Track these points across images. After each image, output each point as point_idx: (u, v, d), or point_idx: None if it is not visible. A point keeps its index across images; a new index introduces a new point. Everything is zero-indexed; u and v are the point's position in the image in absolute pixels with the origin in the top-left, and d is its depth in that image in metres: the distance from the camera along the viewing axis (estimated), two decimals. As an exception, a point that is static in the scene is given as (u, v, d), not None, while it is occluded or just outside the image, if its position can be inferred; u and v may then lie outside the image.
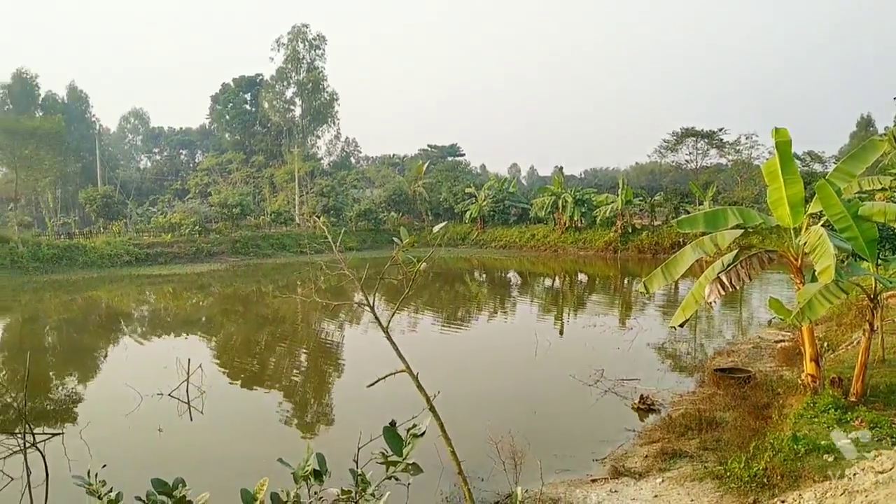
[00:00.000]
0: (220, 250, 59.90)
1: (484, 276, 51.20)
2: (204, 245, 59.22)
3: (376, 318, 3.84)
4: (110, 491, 2.73)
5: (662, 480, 10.16)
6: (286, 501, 2.58)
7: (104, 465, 2.95)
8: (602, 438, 12.88)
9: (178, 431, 14.05)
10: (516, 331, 26.78)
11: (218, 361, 21.07)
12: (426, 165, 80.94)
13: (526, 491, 9.69)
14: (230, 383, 18.34)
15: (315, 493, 2.54)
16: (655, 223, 62.35)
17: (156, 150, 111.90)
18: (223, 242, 60.87)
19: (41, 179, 62.59)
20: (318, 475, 2.57)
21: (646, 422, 13.98)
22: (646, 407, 14.78)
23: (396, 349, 3.71)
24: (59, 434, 13.56)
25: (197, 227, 60.90)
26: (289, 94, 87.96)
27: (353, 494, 2.39)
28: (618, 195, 60.19)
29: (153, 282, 46.35)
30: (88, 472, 2.79)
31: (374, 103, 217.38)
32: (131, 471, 10.97)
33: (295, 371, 20.80)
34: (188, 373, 16.19)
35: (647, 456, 11.53)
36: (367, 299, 3.93)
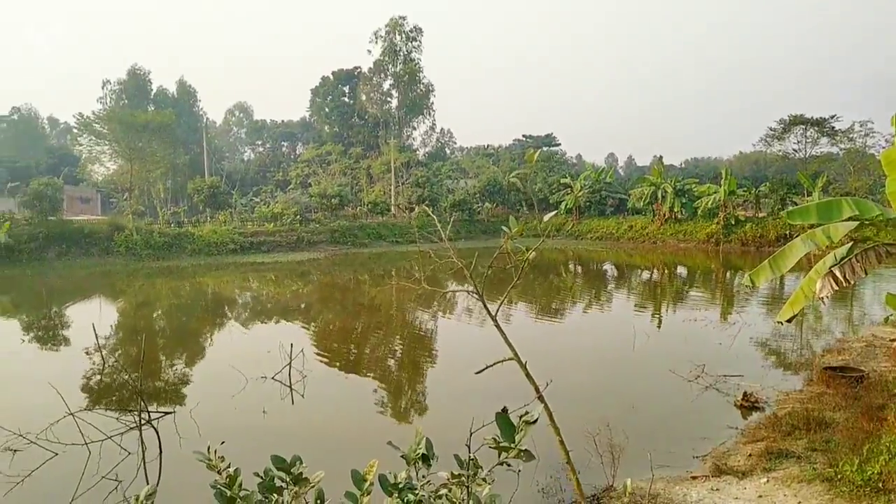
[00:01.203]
0: (320, 239, 61.52)
1: (579, 267, 50.58)
2: (304, 234, 60.96)
3: (485, 306, 3.83)
4: (228, 466, 2.83)
5: (767, 480, 9.79)
6: (395, 483, 2.62)
7: (223, 442, 3.07)
8: (703, 435, 12.51)
9: (281, 413, 14.53)
10: (613, 324, 26.33)
11: (316, 347, 21.64)
12: (537, 153, 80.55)
13: (624, 486, 9.52)
14: (328, 368, 18.80)
15: (423, 476, 2.57)
16: (760, 215, 59.98)
17: (259, 143, 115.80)
18: (322, 232, 62.47)
19: (153, 171, 65.96)
20: (426, 459, 2.60)
21: (749, 420, 13.48)
22: (749, 404, 14.25)
23: (505, 337, 3.70)
24: (171, 413, 14.27)
25: (297, 217, 62.75)
26: (386, 86, 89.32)
27: (463, 478, 2.41)
28: (720, 185, 58.19)
29: (256, 269, 48.08)
30: (208, 448, 2.90)
31: (469, 94, 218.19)
32: (240, 449, 11.43)
33: (391, 358, 21.14)
34: (290, 357, 16.72)
35: (750, 455, 11.12)
36: (476, 288, 3.92)
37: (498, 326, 4.05)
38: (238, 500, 2.57)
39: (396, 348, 22.77)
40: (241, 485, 2.69)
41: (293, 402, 15.37)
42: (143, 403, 12.86)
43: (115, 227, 54.18)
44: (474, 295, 4.42)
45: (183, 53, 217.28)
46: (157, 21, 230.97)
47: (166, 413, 14.18)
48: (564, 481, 10.25)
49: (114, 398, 16.14)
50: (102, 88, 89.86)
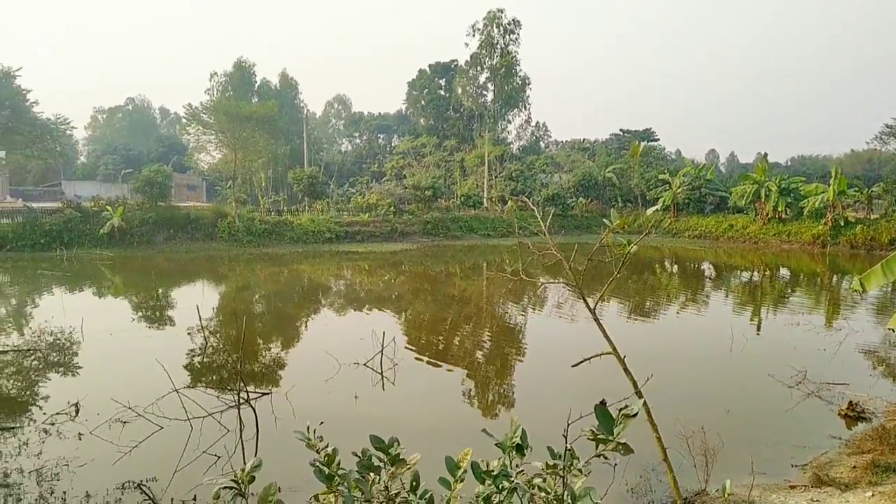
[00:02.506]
0: (413, 230, 62.27)
1: (675, 266, 49.28)
2: (398, 225, 61.84)
3: (583, 298, 3.80)
4: (326, 446, 2.91)
5: (873, 494, 9.31)
6: (488, 471, 2.64)
7: (321, 423, 3.17)
8: (802, 444, 12.00)
9: (372, 399, 14.83)
10: (709, 325, 25.54)
11: (407, 336, 21.94)
12: (642, 145, 78.90)
13: (717, 490, 9.25)
14: (417, 358, 19.02)
15: (516, 465, 2.58)
16: (872, 216, 56.81)
17: (356, 134, 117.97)
18: (415, 223, 63.21)
19: (255, 160, 68.31)
20: (520, 449, 2.61)
21: (854, 430, 12.84)
22: (855, 414, 13.57)
23: (604, 331, 3.66)
24: (268, 394, 14.80)
25: (392, 208, 63.71)
26: (482, 79, 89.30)
27: (557, 469, 2.41)
28: (829, 185, 55.44)
29: (350, 258, 49.13)
30: (307, 428, 2.99)
31: (566, 87, 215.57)
32: (332, 432, 11.74)
33: (479, 351, 21.20)
34: (382, 345, 17.04)
35: (855, 467, 10.60)
36: (575, 280, 3.89)
37: (596, 319, 4.01)
38: (336, 477, 2.65)
39: (485, 341, 22.82)
40: (339, 464, 2.77)
41: (384, 389, 15.65)
42: (242, 384, 13.39)
43: (218, 213, 56.48)
44: (573, 288, 4.38)
45: (286, 47, 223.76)
46: (263, 15, 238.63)
47: (263, 394, 14.71)
48: (654, 482, 10.05)
49: (213, 378, 16.83)
50: (210, 80, 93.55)
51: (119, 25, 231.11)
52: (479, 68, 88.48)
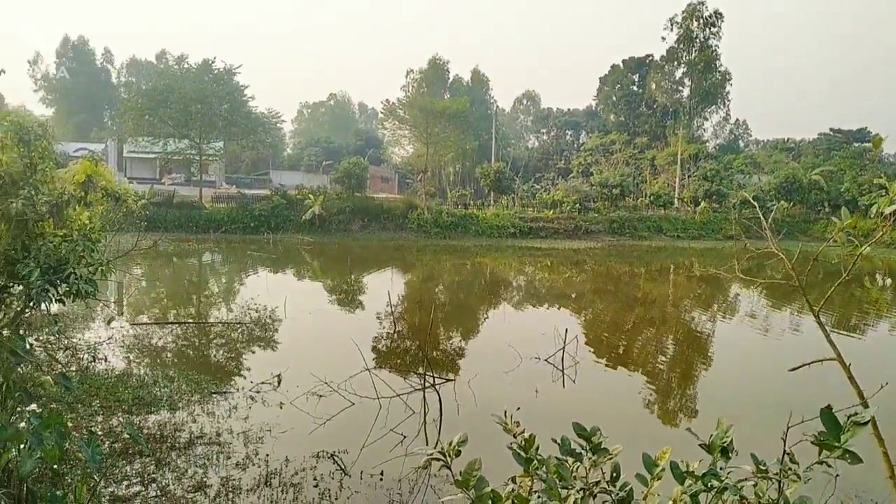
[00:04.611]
0: (597, 229, 61.31)
1: (888, 279, 44.85)
2: (582, 223, 61.14)
3: (807, 300, 3.61)
4: (523, 431, 2.99)
5: None
6: (688, 471, 2.61)
7: (518, 408, 3.25)
8: None
9: (552, 395, 14.84)
10: (927, 346, 23.05)
11: (587, 335, 21.68)
12: (885, 139, 72.89)
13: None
14: (596, 359, 18.74)
15: (721, 468, 2.52)
16: None
17: (543, 131, 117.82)
18: (600, 221, 62.17)
19: (445, 155, 70.39)
20: (725, 451, 2.54)
21: None
22: None
23: (827, 335, 3.47)
24: (451, 380, 15.26)
25: (577, 206, 63.10)
26: (678, 74, 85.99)
27: (771, 473, 2.33)
28: None
29: (533, 254, 49.29)
30: (505, 413, 3.08)
31: (770, 83, 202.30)
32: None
33: (662, 355, 20.52)
34: (564, 342, 16.97)
35: None
36: (798, 282, 3.72)
37: (820, 323, 3.79)
38: (535, 461, 2.72)
39: (668, 346, 22.07)
40: (537, 448, 2.84)
41: (564, 386, 15.61)
42: (430, 369, 13.91)
43: (409, 205, 58.79)
44: (796, 287, 4.16)
45: (478, 44, 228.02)
46: (456, 14, 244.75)
47: (447, 380, 15.18)
48: (865, 501, 9.34)
49: (398, 361, 17.60)
50: (406, 77, 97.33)
51: (329, 23, 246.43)
52: (675, 63, 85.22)
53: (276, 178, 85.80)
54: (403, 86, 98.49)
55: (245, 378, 15.48)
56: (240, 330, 21.03)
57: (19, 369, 11.53)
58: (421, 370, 14.58)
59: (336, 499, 9.60)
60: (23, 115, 10.06)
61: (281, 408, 13.35)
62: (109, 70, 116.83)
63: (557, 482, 2.64)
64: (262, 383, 14.77)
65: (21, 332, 12.06)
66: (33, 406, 10.45)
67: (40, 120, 11.38)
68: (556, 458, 2.73)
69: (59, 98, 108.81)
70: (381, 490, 9.92)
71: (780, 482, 2.27)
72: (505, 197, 67.00)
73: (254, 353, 18.62)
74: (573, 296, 32.35)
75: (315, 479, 10.16)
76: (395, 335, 20.75)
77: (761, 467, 2.37)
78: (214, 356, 18.61)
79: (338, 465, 10.66)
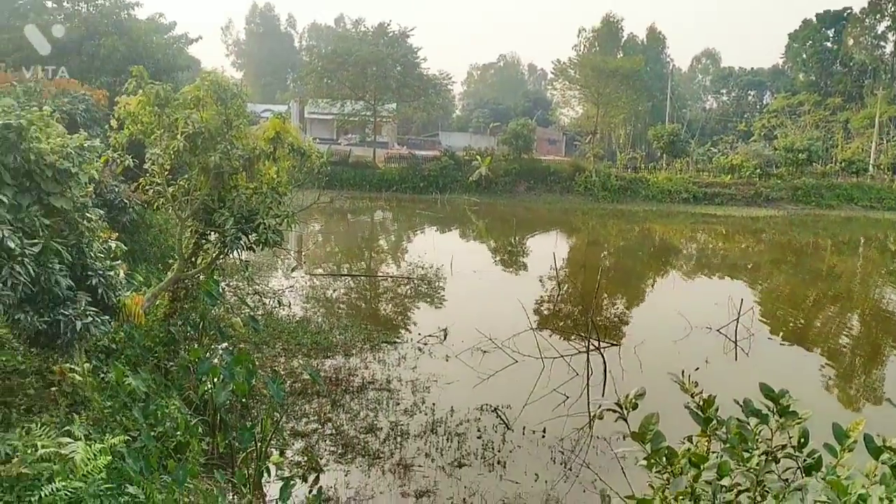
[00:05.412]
0: (779, 196, 57.34)
1: None
2: (763, 189, 57.38)
3: None
4: (701, 392, 2.92)
5: None
6: (885, 445, 2.45)
7: (697, 369, 3.17)
8: None
9: (722, 366, 14.29)
10: None
11: (761, 309, 20.52)
12: None
13: None
14: (771, 334, 17.72)
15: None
16: None
17: (723, 91, 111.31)
18: (783, 188, 58.05)
19: (616, 116, 68.40)
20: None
21: None
22: None
23: None
24: (616, 345, 15.06)
25: (757, 171, 59.33)
26: (880, 28, 77.97)
27: None
28: None
29: (706, 221, 47.10)
30: (682, 372, 3.01)
31: None
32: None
33: (845, 336, 19.02)
34: (739, 313, 16.15)
35: None
36: None
37: None
38: (714, 420, 2.65)
39: (854, 325, 20.45)
40: (717, 409, 2.77)
41: (736, 359, 14.96)
42: (595, 332, 13.80)
43: (576, 168, 57.85)
44: None
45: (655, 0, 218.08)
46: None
47: (612, 344, 14.99)
48: None
49: (560, 324, 17.55)
50: (577, 36, 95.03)
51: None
52: (878, 16, 77.25)
53: (444, 140, 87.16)
54: (575, 45, 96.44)
55: (411, 331, 16.09)
56: (408, 285, 21.81)
57: (213, 310, 12.70)
58: (585, 333, 14.49)
59: (499, 451, 9.84)
60: (220, 77, 10.89)
61: (447, 360, 13.79)
62: (292, 35, 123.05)
63: (739, 443, 2.57)
64: (429, 336, 15.29)
65: (215, 276, 13.24)
66: (225, 344, 11.43)
67: (235, 80, 12.27)
68: (736, 419, 2.65)
69: (247, 63, 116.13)
70: (543, 447, 10.05)
71: None
72: (678, 160, 64.19)
73: (419, 308, 19.29)
74: (749, 266, 30.66)
75: (478, 431, 10.46)
76: (559, 298, 20.69)
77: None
78: (383, 309, 19.47)
79: (501, 419, 10.90)
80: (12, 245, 5.78)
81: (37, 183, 6.53)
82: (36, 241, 6.23)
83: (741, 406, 2.67)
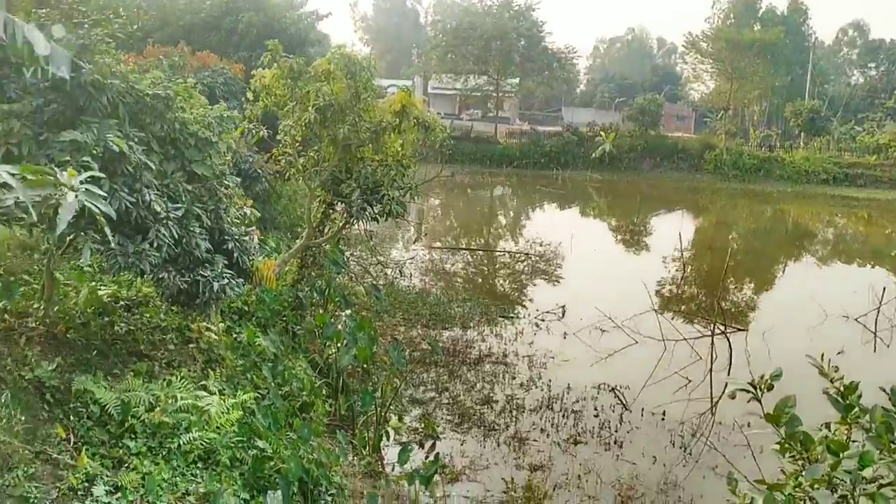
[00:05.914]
0: (932, 179, 53.01)
1: None
2: (912, 171, 53.22)
3: None
4: (842, 378, 2.77)
5: None
6: None
7: (840, 352, 3.01)
8: None
9: (859, 357, 13.42)
10: None
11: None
12: None
13: None
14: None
15: None
16: None
17: (871, 65, 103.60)
18: (937, 170, 53.62)
19: (751, 91, 65.02)
20: None
21: None
22: None
23: None
24: (744, 330, 14.46)
25: (906, 152, 55.04)
26: None
27: None
28: None
29: (847, 204, 44.17)
30: (821, 356, 2.86)
31: None
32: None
33: None
34: (881, 302, 15.10)
35: None
36: None
37: None
38: (857, 407, 2.51)
39: None
40: (859, 396, 2.62)
41: (875, 350, 14.05)
42: (721, 315, 13.32)
43: (706, 145, 55.60)
44: None
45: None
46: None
47: (739, 329, 14.40)
48: None
49: (683, 307, 17.02)
50: (712, 8, 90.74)
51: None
52: None
53: (567, 115, 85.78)
54: (708, 17, 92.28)
55: (528, 308, 16.05)
56: (525, 262, 21.73)
57: (338, 278, 13.15)
58: (709, 317, 14.00)
59: (616, 430, 9.71)
60: (349, 51, 11.17)
61: (564, 338, 13.70)
62: (417, 10, 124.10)
63: (886, 434, 2.42)
64: (547, 312, 15.22)
65: (340, 246, 13.70)
66: (349, 311, 11.84)
67: (364, 54, 12.56)
68: (882, 408, 2.49)
69: (373, 38, 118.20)
70: (663, 429, 9.84)
71: None
72: (818, 139, 60.40)
73: (536, 285, 19.22)
74: (893, 254, 28.56)
75: (595, 410, 10.36)
76: (683, 279, 20.05)
77: None
78: (501, 284, 19.52)
79: (619, 399, 10.74)
80: (158, 209, 6.19)
81: (181, 151, 6.94)
82: (179, 205, 6.64)
83: (887, 394, 2.50)
